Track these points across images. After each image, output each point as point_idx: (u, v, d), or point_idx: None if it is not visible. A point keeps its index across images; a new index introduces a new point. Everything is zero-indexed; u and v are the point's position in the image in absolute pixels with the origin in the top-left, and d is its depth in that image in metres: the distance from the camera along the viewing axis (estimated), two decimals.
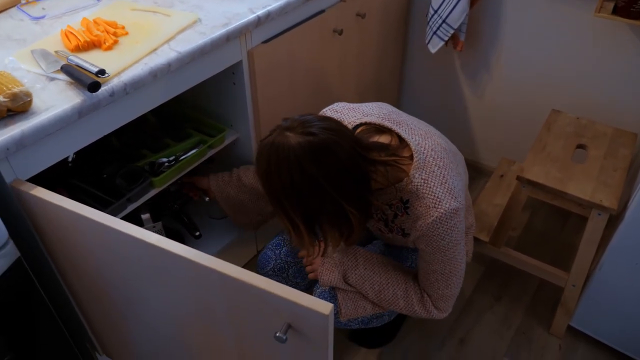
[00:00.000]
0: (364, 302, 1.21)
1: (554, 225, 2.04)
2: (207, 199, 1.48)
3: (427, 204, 1.01)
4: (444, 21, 1.82)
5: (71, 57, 1.06)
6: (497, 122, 2.12)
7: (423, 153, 1.05)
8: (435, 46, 1.90)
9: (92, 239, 0.93)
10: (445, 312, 1.17)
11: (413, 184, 1.03)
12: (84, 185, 1.29)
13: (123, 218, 1.27)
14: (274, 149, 0.92)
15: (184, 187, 1.52)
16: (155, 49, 1.14)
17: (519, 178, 1.51)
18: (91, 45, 1.13)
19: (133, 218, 1.42)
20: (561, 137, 1.64)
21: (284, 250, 1.36)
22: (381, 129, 1.09)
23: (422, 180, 1.02)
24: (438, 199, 1.01)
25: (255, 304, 0.76)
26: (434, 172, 1.03)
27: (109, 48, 1.13)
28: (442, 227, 1.02)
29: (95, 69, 1.01)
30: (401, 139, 1.07)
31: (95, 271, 1.02)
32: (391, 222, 1.13)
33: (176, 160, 1.36)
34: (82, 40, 1.12)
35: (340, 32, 1.62)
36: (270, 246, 1.38)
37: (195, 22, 1.25)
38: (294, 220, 0.96)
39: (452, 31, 1.83)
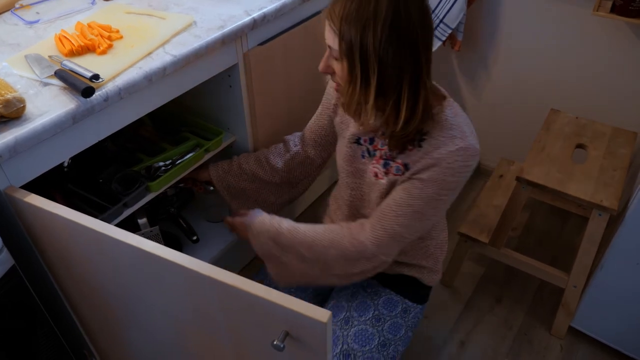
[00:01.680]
0: (298, 264, 1.14)
1: (554, 225, 2.03)
2: (211, 188, 1.46)
3: (454, 134, 0.97)
4: (441, 21, 1.82)
5: (65, 62, 1.05)
6: (496, 121, 2.11)
7: (451, 99, 1.03)
8: (433, 46, 1.89)
9: (88, 247, 0.92)
10: (386, 255, 1.07)
11: (444, 114, 0.98)
12: (79, 191, 1.28)
13: (120, 223, 1.27)
14: None
15: (186, 182, 1.51)
16: (150, 53, 1.13)
17: (518, 179, 1.50)
18: (85, 49, 1.12)
19: (130, 222, 1.42)
20: (560, 137, 1.64)
21: None
22: None
23: (453, 114, 0.99)
24: (465, 133, 0.97)
25: (252, 311, 0.75)
26: (461, 113, 1.01)
27: (104, 52, 1.12)
28: (461, 160, 0.96)
29: (89, 74, 1.00)
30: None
31: (92, 278, 1.01)
32: (392, 160, 1.06)
33: (173, 164, 1.35)
34: (76, 44, 1.11)
35: None
36: None
37: (190, 25, 1.24)
38: (369, 75, 0.91)
39: (449, 31, 1.82)
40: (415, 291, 1.25)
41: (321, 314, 0.68)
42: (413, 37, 0.89)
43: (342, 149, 1.18)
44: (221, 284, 0.76)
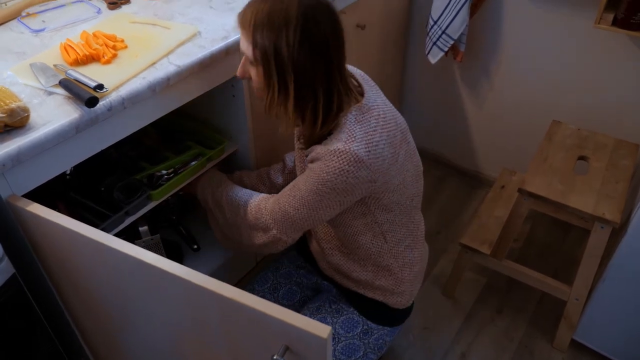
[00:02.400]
0: (224, 222, 1.23)
1: (555, 236, 2.02)
2: None
3: (341, 137, 0.98)
4: (443, 32, 1.82)
5: (70, 71, 1.05)
6: (498, 132, 2.11)
7: (372, 104, 1.04)
8: (435, 57, 1.90)
9: (88, 256, 0.92)
10: (276, 230, 1.10)
11: (346, 118, 1.00)
12: (81, 199, 1.28)
13: (122, 230, 1.27)
14: None
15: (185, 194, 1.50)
16: (154, 63, 1.14)
17: (520, 190, 1.50)
18: (90, 59, 1.13)
19: (131, 230, 1.42)
20: (562, 149, 1.63)
21: (280, 272, 1.35)
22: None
23: (355, 119, 1.00)
24: (353, 138, 0.98)
25: (251, 325, 0.75)
26: (369, 121, 1.01)
27: (108, 62, 1.12)
28: (335, 161, 0.97)
29: (93, 84, 1.00)
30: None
31: (92, 287, 1.01)
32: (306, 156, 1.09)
33: (175, 172, 1.35)
34: (81, 54, 1.12)
35: None
36: (271, 268, 1.37)
37: (194, 35, 1.25)
38: (286, 81, 0.95)
39: (451, 42, 1.83)
40: (383, 313, 1.22)
41: (321, 329, 0.68)
42: (324, 42, 0.94)
43: (295, 155, 1.22)
44: (220, 297, 0.76)
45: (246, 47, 0.98)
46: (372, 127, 1.01)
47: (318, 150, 1.00)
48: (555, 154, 1.62)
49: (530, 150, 1.99)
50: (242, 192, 1.21)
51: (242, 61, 1.03)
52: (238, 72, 1.05)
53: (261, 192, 1.37)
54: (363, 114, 1.02)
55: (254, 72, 1.01)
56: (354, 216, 1.10)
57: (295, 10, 0.91)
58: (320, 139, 1.04)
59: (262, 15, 0.93)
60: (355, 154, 0.97)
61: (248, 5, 0.97)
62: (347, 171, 0.97)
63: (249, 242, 1.17)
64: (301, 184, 1.05)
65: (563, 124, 1.75)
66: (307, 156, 1.05)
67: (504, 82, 1.98)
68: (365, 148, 0.98)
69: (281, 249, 1.14)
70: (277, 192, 1.37)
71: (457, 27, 1.79)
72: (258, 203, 1.15)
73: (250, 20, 0.95)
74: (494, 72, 1.98)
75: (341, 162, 0.97)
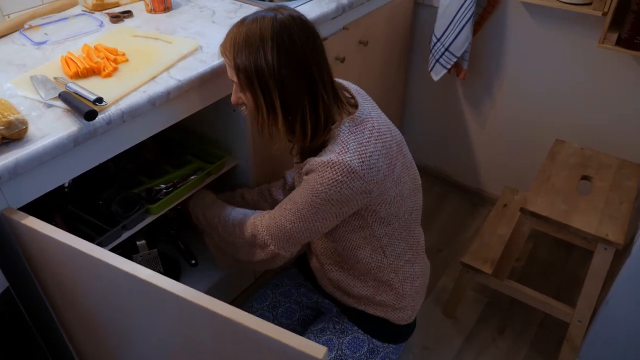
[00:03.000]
0: (219, 241, 1.25)
1: (558, 256, 2.01)
2: None
3: (334, 148, 1.00)
4: (446, 49, 1.83)
5: (70, 84, 1.05)
6: (500, 150, 2.11)
7: (367, 116, 1.05)
8: (438, 74, 1.90)
9: (83, 271, 0.91)
10: (274, 246, 1.10)
11: (339, 129, 1.01)
12: (79, 212, 1.27)
13: (119, 244, 1.26)
14: (259, 17, 0.97)
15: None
16: (154, 77, 1.14)
17: (522, 210, 1.49)
18: (90, 72, 1.13)
19: (129, 244, 1.41)
20: (565, 168, 1.63)
21: (279, 290, 1.34)
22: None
23: (348, 130, 1.01)
24: (346, 149, 0.99)
25: (247, 344, 0.74)
26: (362, 132, 1.02)
27: (109, 75, 1.13)
28: (328, 172, 0.98)
29: (93, 97, 1.01)
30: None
31: (87, 302, 1.00)
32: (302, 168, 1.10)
33: (174, 187, 1.35)
34: (81, 67, 1.12)
35: (343, 60, 1.62)
36: (270, 285, 1.36)
37: (196, 50, 1.25)
38: (272, 99, 0.98)
39: (454, 59, 1.83)
40: (386, 330, 1.22)
41: (317, 350, 0.67)
42: (302, 56, 0.97)
43: (293, 172, 1.24)
44: (214, 315, 0.75)
45: (231, 75, 1.02)
46: (365, 137, 1.01)
47: (312, 162, 1.01)
48: (558, 173, 1.61)
49: (532, 168, 1.98)
50: (235, 212, 1.22)
51: (233, 88, 1.07)
52: (232, 99, 1.08)
53: (263, 209, 1.37)
54: (356, 125, 1.03)
55: (244, 98, 1.04)
56: (352, 230, 1.10)
57: (270, 29, 0.95)
58: (315, 152, 1.05)
59: (239, 39, 0.97)
60: (349, 164, 0.98)
61: (227, 34, 1.02)
62: (341, 182, 0.98)
63: (247, 260, 1.18)
64: (296, 197, 1.05)
65: (566, 143, 1.74)
66: (302, 169, 1.06)
67: (506, 100, 1.98)
68: (359, 159, 0.99)
69: (280, 264, 1.14)
70: None
71: (461, 45, 1.80)
72: (253, 220, 1.15)
73: (230, 46, 0.99)
74: (497, 90, 1.98)
75: (334, 173, 0.98)
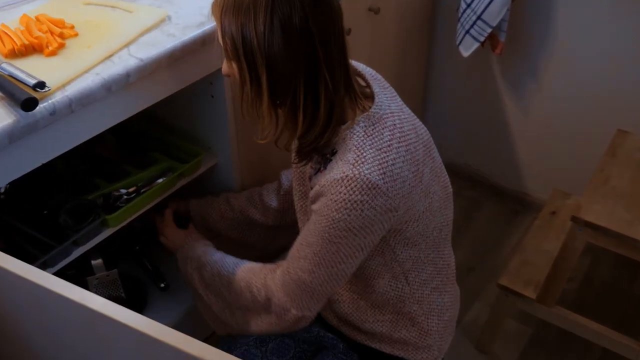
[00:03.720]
0: (221, 306, 1.24)
1: (620, 278, 2.00)
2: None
3: (349, 158, 0.99)
4: (478, 17, 1.82)
5: (4, 65, 1.05)
6: (548, 143, 2.10)
7: (385, 111, 1.04)
8: (468, 48, 1.90)
9: (20, 300, 0.91)
10: (297, 309, 1.10)
11: (352, 131, 1.01)
12: (18, 224, 1.27)
13: (70, 263, 1.26)
14: None
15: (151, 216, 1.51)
16: (110, 55, 1.14)
17: (574, 219, 1.49)
18: (30, 49, 1.13)
19: (82, 263, 1.41)
20: (629, 166, 1.62)
21: None
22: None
23: (364, 133, 1.00)
24: (362, 160, 0.98)
25: None
26: (382, 134, 1.01)
27: (53, 53, 1.12)
28: (344, 192, 0.97)
29: (32, 81, 1.01)
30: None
31: (25, 339, 1.00)
32: (309, 180, 1.11)
33: (137, 192, 1.35)
34: (19, 43, 1.12)
35: (348, 32, 1.61)
36: None
37: (163, 21, 1.25)
38: (258, 74, 0.97)
39: (489, 30, 1.83)
40: None
41: None
42: (303, 29, 0.94)
43: (293, 182, 1.23)
44: (185, 356, 0.74)
45: (219, 37, 1.02)
46: (385, 141, 1.01)
47: (321, 182, 1.00)
48: (621, 172, 1.60)
49: (588, 168, 1.97)
50: (238, 269, 1.20)
51: (224, 55, 1.06)
52: (222, 69, 1.08)
53: (252, 216, 1.39)
54: (373, 124, 1.01)
55: (231, 68, 1.03)
56: (370, 255, 1.10)
57: None
58: (316, 151, 1.05)
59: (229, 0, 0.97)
60: (367, 179, 0.97)
61: None
62: (361, 202, 0.97)
63: (261, 329, 1.18)
64: (308, 237, 1.04)
65: (631, 134, 1.74)
66: (310, 195, 1.06)
67: (555, 81, 1.98)
68: (379, 170, 0.98)
69: (307, 325, 1.14)
70: (271, 218, 1.39)
71: (496, 12, 1.79)
72: (264, 281, 1.13)
73: (220, 5, 0.99)
74: (543, 69, 1.98)
75: (351, 192, 0.97)
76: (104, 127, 1.15)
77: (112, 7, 1.29)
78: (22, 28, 1.18)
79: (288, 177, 1.39)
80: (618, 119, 1.89)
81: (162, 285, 1.59)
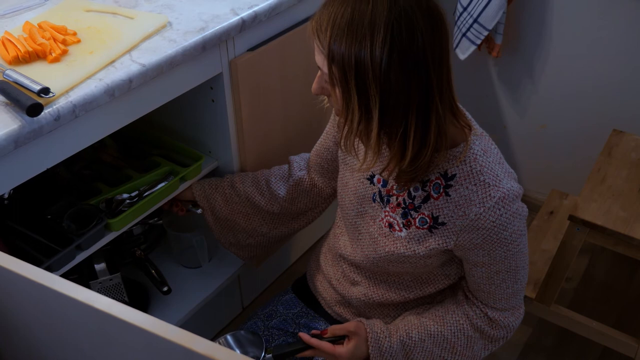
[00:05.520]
0: None
1: (619, 276, 2.01)
2: (198, 210, 1.47)
3: (485, 180, 0.99)
4: (475, 20, 1.83)
5: (8, 72, 1.06)
6: (544, 144, 2.11)
7: (479, 128, 1.05)
8: (465, 51, 1.91)
9: (28, 301, 0.92)
10: (521, 306, 1.17)
11: (472, 152, 1.00)
12: (22, 229, 1.28)
13: (73, 268, 1.27)
14: None
15: (164, 205, 1.50)
16: (113, 61, 1.15)
17: (572, 218, 1.50)
18: (34, 56, 1.14)
19: (85, 267, 1.42)
20: (625, 165, 1.63)
21: (274, 321, 1.35)
22: None
23: (482, 151, 1.01)
24: (498, 177, 0.99)
25: None
26: (490, 148, 1.03)
27: (56, 60, 1.13)
28: (505, 212, 0.98)
29: (37, 87, 1.01)
30: None
31: (32, 341, 1.00)
32: (414, 210, 1.07)
33: (140, 196, 1.36)
34: (22, 50, 1.13)
35: None
36: (261, 316, 1.36)
37: (164, 27, 1.26)
38: (369, 105, 0.90)
39: (485, 33, 1.84)
40: None
41: None
42: (420, 55, 0.89)
43: (349, 181, 1.19)
44: (192, 354, 0.75)
45: (321, 62, 0.95)
46: (497, 153, 1.04)
47: (470, 215, 1.00)
48: (617, 171, 1.61)
49: (585, 167, 1.98)
50: (433, 324, 1.16)
51: (318, 74, 1.00)
52: (313, 88, 1.02)
53: (257, 202, 1.38)
54: (483, 140, 1.04)
55: (332, 92, 0.97)
56: (446, 262, 1.14)
57: (385, 14, 0.86)
58: (415, 178, 1.02)
59: (341, 20, 0.88)
60: (514, 190, 1.00)
61: (324, 7, 0.93)
62: (518, 209, 1.01)
63: (490, 350, 1.20)
64: (499, 264, 1.06)
65: (626, 134, 1.75)
66: (432, 219, 1.06)
67: (551, 83, 1.99)
68: (512, 180, 1.02)
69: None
70: (277, 205, 1.38)
71: (493, 15, 1.81)
72: (464, 321, 1.15)
73: (326, 27, 0.90)
74: (539, 70, 1.99)
75: (507, 208, 0.99)
76: (107, 132, 1.16)
77: (113, 13, 1.31)
78: (25, 35, 1.19)
79: (301, 164, 1.38)
80: (613, 119, 1.91)
81: (165, 289, 1.59)
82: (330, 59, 0.91)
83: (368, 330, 1.14)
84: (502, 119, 2.16)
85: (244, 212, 1.42)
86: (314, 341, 1.14)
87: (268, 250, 1.52)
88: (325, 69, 0.93)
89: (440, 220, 1.04)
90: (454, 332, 1.14)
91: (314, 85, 1.01)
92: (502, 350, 1.79)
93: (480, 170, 0.99)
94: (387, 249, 1.11)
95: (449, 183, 1.02)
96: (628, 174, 1.61)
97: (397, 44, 0.87)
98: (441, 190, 1.03)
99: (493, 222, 0.99)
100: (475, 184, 0.99)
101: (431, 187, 1.04)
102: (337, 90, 0.94)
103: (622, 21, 1.77)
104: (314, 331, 1.17)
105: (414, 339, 1.14)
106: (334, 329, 1.16)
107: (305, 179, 1.37)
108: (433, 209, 1.04)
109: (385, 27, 0.86)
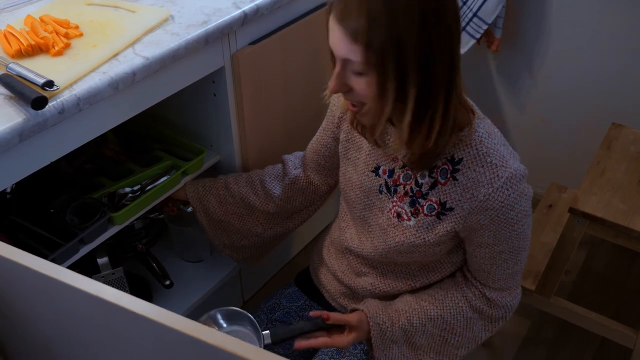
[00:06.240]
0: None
1: (617, 268, 2.02)
2: (189, 209, 1.47)
3: (493, 162, 1.00)
4: (475, 14, 1.84)
5: (12, 65, 1.06)
6: (544, 138, 2.12)
7: (480, 112, 1.06)
8: (464, 45, 1.91)
9: (33, 293, 0.92)
10: (518, 286, 1.19)
11: (477, 134, 1.01)
12: (25, 223, 1.28)
13: (75, 262, 1.27)
14: None
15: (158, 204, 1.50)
16: (116, 54, 1.15)
17: (572, 210, 1.50)
18: (37, 49, 1.13)
19: (88, 261, 1.41)
20: (624, 158, 1.64)
21: (277, 314, 1.35)
22: None
23: (487, 134, 1.01)
24: (504, 158, 1.00)
25: None
26: (494, 131, 1.04)
27: (59, 53, 1.13)
28: (513, 192, 1.00)
29: (41, 80, 1.01)
30: None
31: (39, 334, 1.00)
32: (422, 198, 1.08)
33: (142, 190, 1.36)
34: (25, 43, 1.13)
35: None
36: (264, 309, 1.37)
37: (166, 20, 1.26)
38: (406, 88, 0.90)
39: (485, 27, 1.84)
40: None
41: None
42: (448, 30, 0.89)
43: (352, 176, 1.18)
44: (200, 344, 0.75)
45: (348, 50, 0.90)
46: (501, 136, 1.05)
47: (478, 196, 1.01)
48: (616, 164, 1.62)
49: (584, 161, 1.98)
50: (431, 306, 1.17)
51: (337, 71, 0.94)
52: (332, 86, 0.96)
53: (252, 202, 1.37)
54: (486, 123, 1.05)
55: (360, 84, 0.93)
56: (453, 249, 1.16)
57: None
58: (430, 162, 1.03)
59: (376, 5, 0.85)
60: (520, 170, 1.01)
61: None
62: (525, 189, 1.02)
63: (492, 332, 1.22)
64: (502, 244, 1.07)
65: (625, 128, 1.75)
66: (440, 205, 1.06)
67: (550, 77, 1.99)
68: (518, 160, 1.03)
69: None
70: (272, 205, 1.37)
71: (492, 8, 1.81)
72: (463, 303, 1.16)
73: (359, 14, 0.86)
74: (538, 64, 1.99)
75: (515, 188, 1.00)
76: (110, 125, 1.16)
77: (115, 7, 1.30)
78: (27, 29, 1.19)
79: (295, 163, 1.37)
80: (612, 113, 1.91)
81: (167, 283, 1.59)
82: (366, 45, 0.87)
83: (371, 323, 1.14)
84: (502, 112, 2.16)
85: (238, 213, 1.41)
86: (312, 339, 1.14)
87: (262, 251, 1.51)
88: (357, 57, 0.89)
89: (448, 206, 1.05)
90: (454, 315, 1.16)
91: (334, 83, 0.95)
92: (502, 343, 1.80)
93: (486, 152, 1.00)
94: (397, 239, 1.11)
95: (456, 167, 1.02)
96: (627, 167, 1.61)
97: (431, 21, 0.86)
98: (448, 175, 1.03)
99: (501, 202, 1.00)
100: (483, 166, 1.00)
101: (438, 173, 1.05)
102: (369, 77, 0.91)
103: (620, 15, 1.77)
104: (313, 312, 1.16)
105: (415, 324, 1.16)
106: (335, 318, 1.15)
107: (301, 177, 1.36)
108: (441, 195, 1.05)
109: (419, 4, 0.85)
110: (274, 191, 1.36)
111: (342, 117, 1.21)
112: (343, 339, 1.14)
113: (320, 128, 1.30)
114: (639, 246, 1.89)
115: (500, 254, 1.08)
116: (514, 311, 1.20)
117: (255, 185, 1.38)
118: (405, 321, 1.16)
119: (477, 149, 1.01)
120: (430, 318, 1.16)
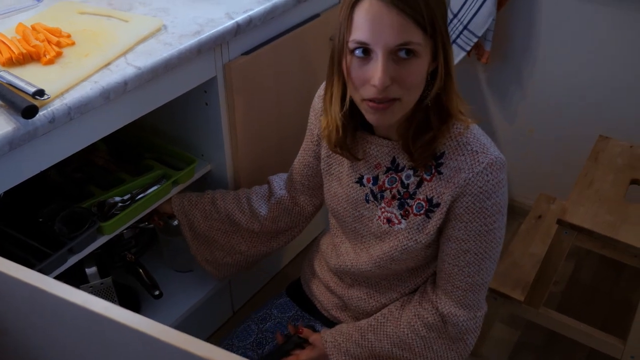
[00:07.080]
0: None
1: (605, 279, 2.03)
2: (174, 222, 1.46)
3: (473, 149, 1.02)
4: (465, 27, 1.85)
5: (2, 73, 1.05)
6: (533, 150, 2.13)
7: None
8: (455, 57, 1.92)
9: (21, 304, 0.91)
10: (478, 309, 1.13)
11: (455, 127, 1.03)
12: (13, 232, 1.27)
13: (64, 272, 1.25)
14: None
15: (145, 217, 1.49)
16: (108, 64, 1.14)
17: (560, 222, 1.51)
18: (28, 58, 1.13)
19: (76, 271, 1.40)
20: (611, 170, 1.65)
21: (268, 324, 1.34)
22: None
23: (464, 127, 1.04)
24: (485, 145, 1.02)
25: None
26: (473, 125, 1.05)
27: (51, 62, 1.13)
28: (492, 178, 1.01)
29: (32, 89, 1.01)
30: None
31: (26, 345, 0.99)
32: (410, 198, 1.08)
33: (132, 199, 1.35)
34: (16, 52, 1.12)
35: None
36: (255, 319, 1.36)
37: (159, 30, 1.26)
38: (447, 58, 0.98)
39: (475, 39, 1.85)
40: None
41: None
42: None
43: (337, 190, 1.18)
44: (190, 356, 0.74)
45: (407, 33, 0.90)
46: (477, 127, 1.06)
47: (458, 181, 1.01)
48: (603, 176, 1.63)
49: (572, 173, 2.00)
50: (398, 329, 1.16)
51: (382, 62, 0.91)
52: (383, 80, 0.92)
53: (237, 220, 1.37)
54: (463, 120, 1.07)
55: (412, 67, 0.94)
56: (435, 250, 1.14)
57: None
58: (429, 157, 1.04)
59: None
60: (501, 158, 1.02)
61: None
62: (503, 180, 1.03)
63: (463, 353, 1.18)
64: (464, 243, 1.06)
65: (612, 140, 1.76)
66: (428, 202, 1.06)
67: (539, 89, 2.01)
68: (498, 151, 1.04)
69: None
70: (257, 224, 1.36)
71: (482, 22, 1.82)
72: (417, 320, 1.14)
73: (426, 2, 0.90)
74: (527, 77, 2.00)
75: (494, 175, 1.01)
76: (101, 134, 1.16)
77: (107, 16, 1.30)
78: (19, 37, 1.19)
79: (280, 184, 1.37)
80: (600, 125, 1.93)
81: (156, 293, 1.57)
82: (430, 23, 0.92)
83: (325, 338, 1.21)
84: (492, 123, 2.17)
85: (223, 229, 1.40)
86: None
87: (244, 269, 1.50)
88: (417, 38, 0.91)
89: (434, 202, 1.06)
90: (407, 334, 1.15)
91: (383, 77, 0.91)
92: (491, 351, 1.80)
93: (466, 142, 1.02)
94: (390, 244, 1.11)
95: (439, 162, 1.04)
96: (614, 178, 1.62)
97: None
98: (433, 170, 1.05)
99: (480, 187, 1.01)
100: (464, 154, 1.02)
101: (423, 171, 1.06)
102: (419, 59, 0.94)
103: (608, 29, 1.79)
104: (290, 326, 1.24)
105: (370, 339, 1.17)
106: (304, 333, 1.24)
107: (286, 197, 1.35)
108: (427, 192, 1.06)
109: None
110: (260, 210, 1.36)
111: (321, 134, 1.20)
112: (301, 355, 1.21)
113: (301, 149, 1.29)
114: (625, 257, 1.90)
115: (465, 254, 1.07)
116: (476, 337, 1.15)
117: (241, 202, 1.37)
118: (359, 336, 1.18)
119: (457, 140, 1.03)
120: (387, 335, 1.16)
